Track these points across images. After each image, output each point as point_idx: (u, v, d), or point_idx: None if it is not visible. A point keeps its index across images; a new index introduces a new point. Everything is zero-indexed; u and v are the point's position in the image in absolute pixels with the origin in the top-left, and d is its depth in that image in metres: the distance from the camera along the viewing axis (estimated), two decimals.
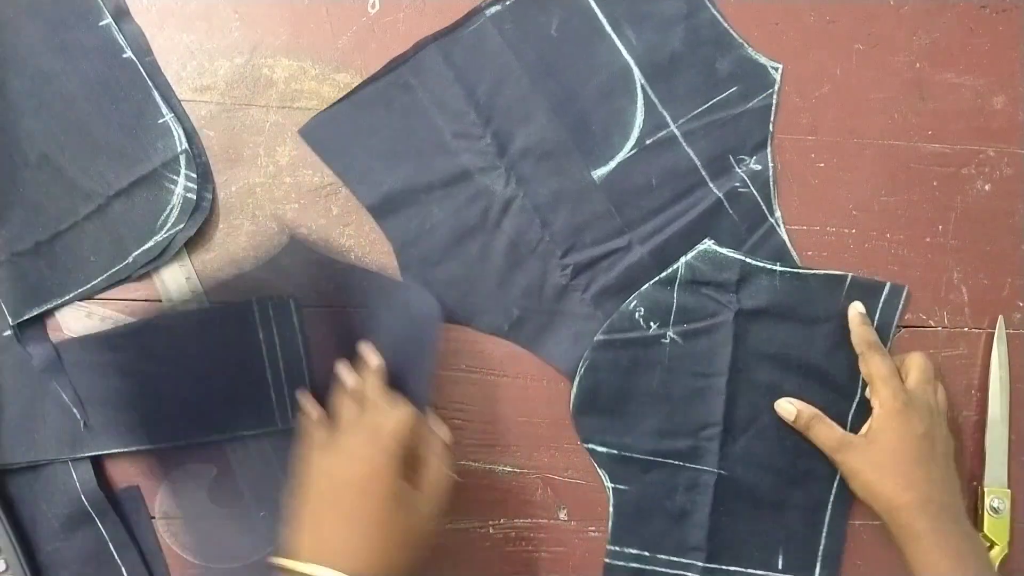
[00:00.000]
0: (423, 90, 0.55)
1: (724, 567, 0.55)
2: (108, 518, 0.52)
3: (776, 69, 0.56)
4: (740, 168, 0.56)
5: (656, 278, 0.55)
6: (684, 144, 0.56)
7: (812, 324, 0.55)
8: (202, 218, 0.53)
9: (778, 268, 0.55)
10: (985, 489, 0.56)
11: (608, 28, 0.55)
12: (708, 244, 0.55)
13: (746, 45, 0.56)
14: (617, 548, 0.55)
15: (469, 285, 0.55)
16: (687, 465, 0.55)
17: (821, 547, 0.56)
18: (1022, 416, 0.58)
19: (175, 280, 0.54)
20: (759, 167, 0.56)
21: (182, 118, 0.53)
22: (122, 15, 0.53)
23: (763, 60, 0.56)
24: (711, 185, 0.56)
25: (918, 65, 0.58)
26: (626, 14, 0.56)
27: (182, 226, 0.52)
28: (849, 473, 0.52)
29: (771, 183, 0.56)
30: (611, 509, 0.56)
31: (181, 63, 0.54)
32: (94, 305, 0.53)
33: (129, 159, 0.52)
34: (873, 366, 0.53)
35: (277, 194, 0.55)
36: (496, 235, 0.55)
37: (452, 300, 0.55)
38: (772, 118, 0.56)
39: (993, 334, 0.57)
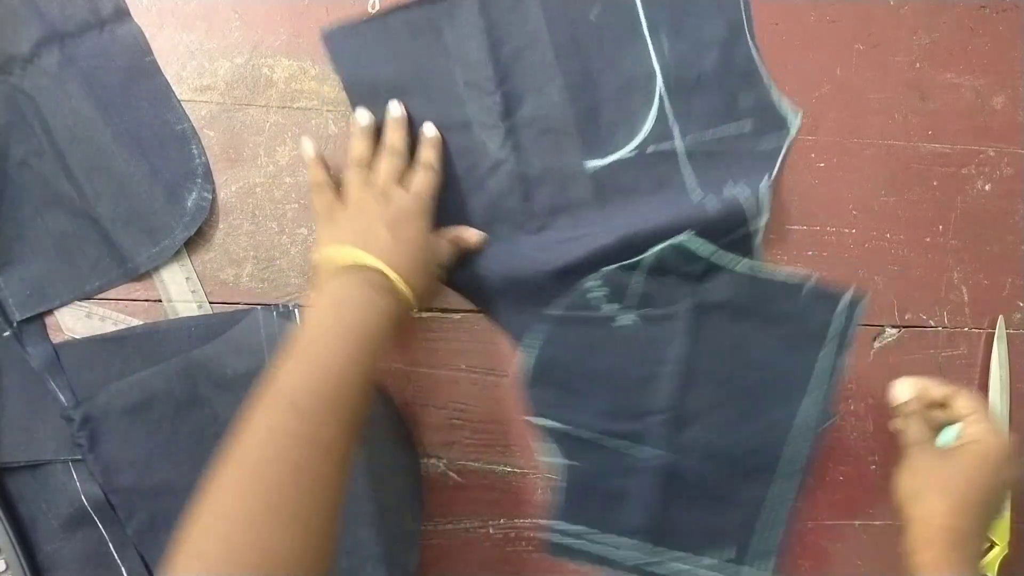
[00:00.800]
0: (451, 31, 0.54)
1: (670, 550, 0.55)
2: (108, 518, 0.52)
3: (796, 115, 0.56)
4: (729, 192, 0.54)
5: (620, 264, 0.54)
6: (683, 161, 0.55)
7: (769, 325, 0.55)
8: (202, 218, 0.53)
9: (738, 269, 0.55)
10: None
11: (645, 30, 0.55)
12: (682, 238, 0.52)
13: (773, 87, 0.56)
14: (562, 524, 0.55)
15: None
16: (634, 446, 0.55)
17: (771, 540, 0.56)
18: (1022, 416, 0.58)
19: (175, 280, 0.54)
20: (750, 192, 0.54)
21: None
22: (122, 15, 0.53)
23: (784, 106, 0.56)
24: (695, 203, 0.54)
25: (918, 65, 0.58)
26: (667, 22, 0.55)
27: (191, 232, 0.53)
28: (908, 466, 0.50)
29: (764, 192, 0.53)
30: (558, 485, 0.55)
31: (181, 63, 0.54)
32: (94, 305, 0.53)
33: (149, 171, 0.53)
34: (978, 401, 0.50)
35: (277, 194, 0.55)
36: (477, 192, 0.55)
37: None
38: (778, 164, 0.55)
39: (993, 334, 0.57)
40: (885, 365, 0.57)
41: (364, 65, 0.54)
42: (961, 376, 0.58)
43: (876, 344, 0.57)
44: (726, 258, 0.54)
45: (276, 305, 0.54)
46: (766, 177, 0.54)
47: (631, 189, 0.55)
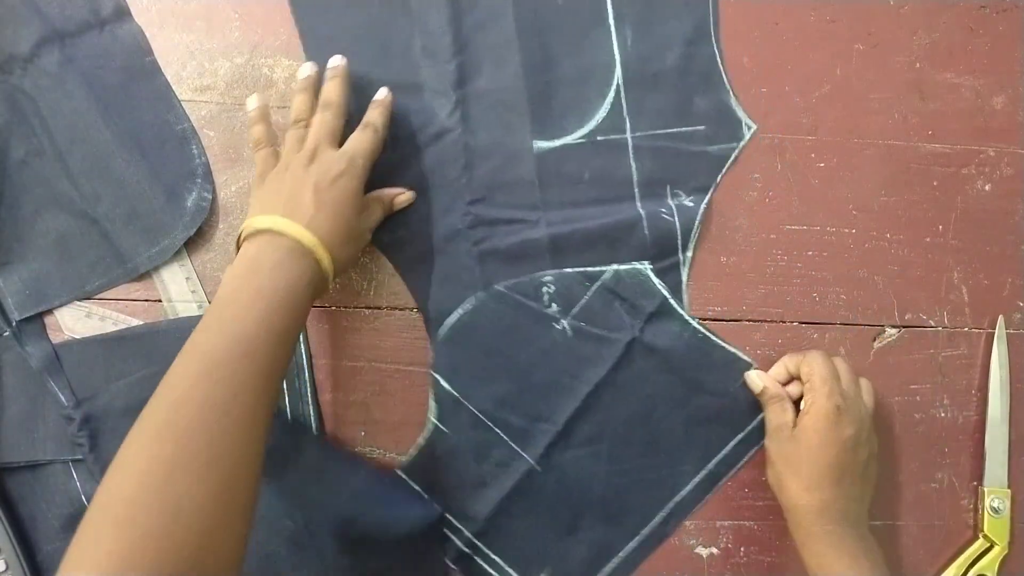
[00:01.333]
0: None
1: (486, 550, 0.54)
2: None
3: (749, 128, 0.56)
4: (672, 200, 0.55)
5: (583, 270, 0.54)
6: (631, 156, 0.55)
7: (697, 390, 0.55)
8: (202, 218, 0.53)
9: (694, 322, 0.55)
10: (985, 489, 0.56)
11: (611, 20, 0.55)
12: (645, 266, 0.54)
13: (732, 93, 0.56)
14: (405, 477, 0.54)
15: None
16: (510, 443, 0.54)
17: None
18: (1022, 416, 0.58)
19: (175, 280, 0.54)
20: (691, 205, 0.55)
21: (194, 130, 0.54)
22: (122, 15, 0.53)
23: (741, 114, 0.56)
24: (638, 203, 0.55)
25: (918, 65, 0.58)
26: (633, 14, 0.56)
27: (191, 232, 0.53)
28: (768, 459, 0.53)
29: (696, 223, 0.55)
30: (422, 439, 0.54)
31: (181, 63, 0.54)
32: (94, 305, 0.53)
33: (149, 171, 0.53)
34: (815, 364, 0.51)
35: None
36: (418, 156, 0.55)
37: None
38: (724, 170, 0.56)
39: (993, 334, 0.57)
40: (885, 365, 0.57)
41: (322, 13, 0.54)
42: (961, 376, 0.58)
43: (876, 344, 0.57)
44: (681, 306, 0.55)
45: None
46: (705, 199, 0.55)
47: (575, 176, 0.55)
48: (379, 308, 0.55)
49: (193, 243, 0.54)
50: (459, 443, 0.54)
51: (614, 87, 0.55)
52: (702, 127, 0.56)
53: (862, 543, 0.49)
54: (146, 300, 0.54)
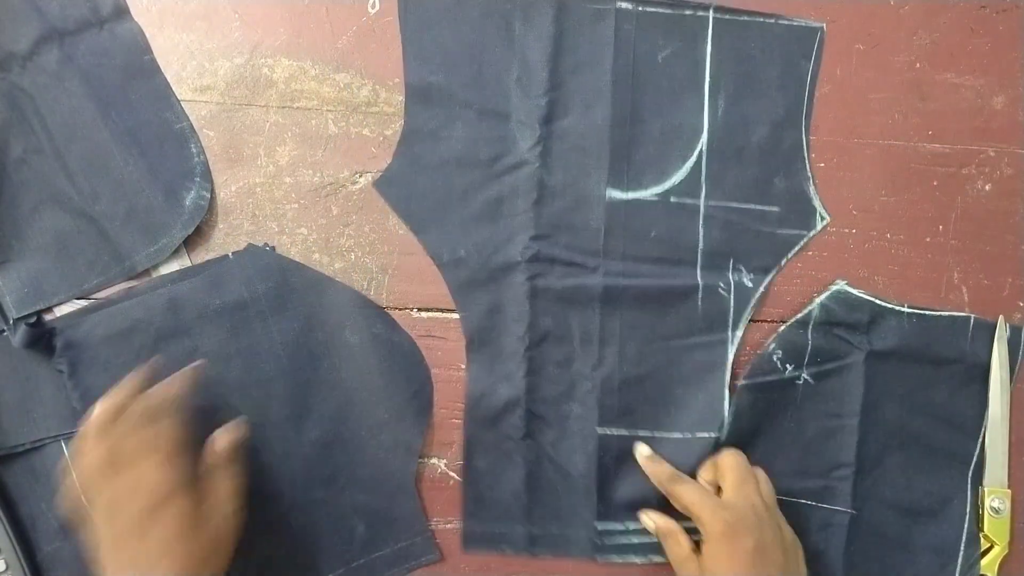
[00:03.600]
0: (521, 26, 0.55)
1: None
2: None
3: (823, 219, 0.56)
4: (732, 275, 0.56)
5: (791, 320, 0.55)
6: (701, 223, 0.55)
7: (938, 365, 0.56)
8: (200, 217, 0.53)
9: (906, 310, 0.56)
10: (985, 489, 0.56)
11: (707, 87, 0.56)
12: (841, 285, 0.55)
13: (811, 181, 0.56)
14: None
15: (443, 206, 0.55)
16: (820, 505, 0.55)
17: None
18: (1022, 416, 0.58)
19: None
20: (750, 285, 0.56)
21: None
22: (122, 14, 0.53)
23: (817, 204, 0.56)
24: (697, 272, 0.55)
25: (918, 65, 0.58)
26: (729, 86, 0.56)
27: (189, 231, 0.53)
28: None
29: (751, 306, 0.55)
30: None
31: (181, 63, 0.54)
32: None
33: (148, 170, 0.53)
34: (683, 496, 0.50)
35: (277, 194, 0.55)
36: (492, 182, 0.55)
37: (421, 208, 0.55)
38: (790, 255, 0.56)
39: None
40: None
41: (429, 27, 0.55)
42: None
43: None
44: (887, 301, 0.56)
45: (256, 244, 0.54)
46: (765, 281, 0.56)
47: (641, 232, 0.55)
48: (379, 308, 0.55)
49: (192, 242, 0.54)
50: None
51: (697, 152, 0.55)
52: (776, 208, 0.56)
53: None
54: None
